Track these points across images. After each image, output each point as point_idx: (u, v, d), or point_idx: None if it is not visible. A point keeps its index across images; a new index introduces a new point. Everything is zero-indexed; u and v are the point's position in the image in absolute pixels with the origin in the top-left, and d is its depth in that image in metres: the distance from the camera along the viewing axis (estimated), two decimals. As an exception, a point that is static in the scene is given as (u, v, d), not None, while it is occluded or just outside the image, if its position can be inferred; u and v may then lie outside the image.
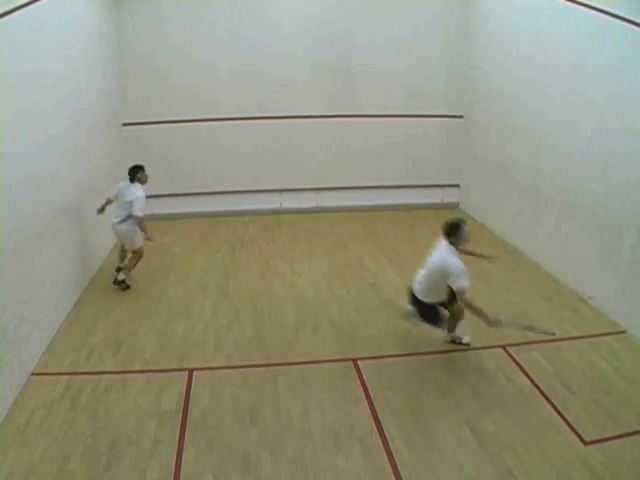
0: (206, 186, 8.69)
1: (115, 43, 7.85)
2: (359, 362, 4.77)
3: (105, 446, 3.77)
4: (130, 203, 5.95)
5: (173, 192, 8.64)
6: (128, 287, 6.26)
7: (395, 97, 8.75)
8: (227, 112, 8.40)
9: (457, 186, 9.29)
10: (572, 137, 6.08)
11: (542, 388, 4.39)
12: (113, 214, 6.15)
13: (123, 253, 6.53)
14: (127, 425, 3.98)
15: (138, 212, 5.94)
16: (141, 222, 5.99)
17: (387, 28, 8.44)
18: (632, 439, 3.81)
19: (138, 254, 6.30)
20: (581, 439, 3.82)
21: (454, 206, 9.28)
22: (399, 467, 3.59)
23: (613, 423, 3.99)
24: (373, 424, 4.02)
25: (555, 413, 4.09)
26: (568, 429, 3.92)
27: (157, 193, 8.57)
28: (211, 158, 8.64)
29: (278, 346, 5.08)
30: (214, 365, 4.78)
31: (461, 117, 8.93)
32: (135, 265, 6.34)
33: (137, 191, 5.99)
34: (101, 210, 6.16)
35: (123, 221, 6.07)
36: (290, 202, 8.95)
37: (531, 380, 4.51)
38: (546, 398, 4.27)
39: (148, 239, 6.06)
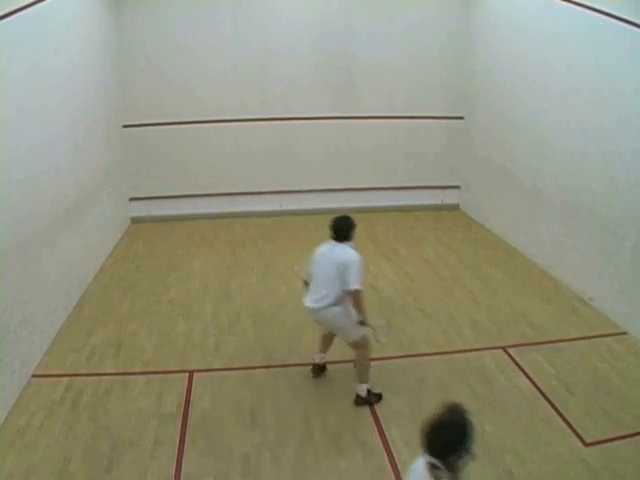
0: (206, 188, 8.68)
1: (116, 44, 7.85)
2: (359, 363, 4.77)
3: (106, 447, 3.77)
4: (340, 273, 3.99)
5: (174, 194, 8.63)
6: (373, 400, 4.27)
7: (397, 97, 8.74)
8: (228, 114, 8.39)
9: (458, 187, 9.29)
10: (571, 137, 6.09)
11: (542, 389, 4.39)
12: (307, 295, 4.22)
13: (327, 337, 4.56)
14: (128, 426, 3.98)
15: (357, 284, 3.97)
16: (360, 300, 4.02)
17: (390, 29, 8.43)
18: (633, 440, 3.81)
19: (363, 347, 4.20)
20: (582, 440, 3.82)
21: (454, 208, 9.28)
22: (399, 468, 3.58)
23: (614, 424, 3.99)
24: (374, 425, 4.01)
25: (556, 414, 4.09)
26: (569, 430, 3.91)
27: (158, 195, 8.61)
28: (211, 160, 8.63)
29: (279, 347, 5.08)
30: (215, 367, 4.78)
31: (462, 118, 8.93)
32: (368, 367, 4.26)
33: (351, 252, 4.05)
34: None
35: (334, 304, 4.06)
36: (291, 203, 8.95)
37: (531, 381, 4.50)
38: (547, 399, 4.27)
39: (361, 324, 4.09)
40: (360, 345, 4.18)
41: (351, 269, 3.95)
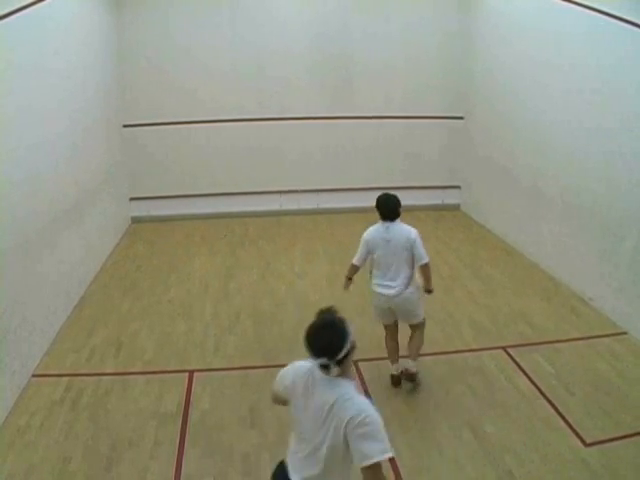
0: (206, 188, 8.69)
1: (116, 44, 7.87)
2: (359, 363, 4.75)
3: (106, 447, 3.77)
4: (408, 249, 4.10)
5: (174, 194, 8.64)
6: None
7: (395, 98, 8.75)
8: (228, 113, 8.40)
9: (458, 187, 9.29)
10: (572, 137, 6.09)
11: (543, 389, 4.39)
12: (379, 282, 4.24)
13: (394, 342, 4.43)
14: (128, 426, 3.98)
15: (427, 256, 4.16)
16: (430, 270, 4.26)
17: (387, 28, 8.43)
18: (633, 440, 3.80)
19: (424, 325, 4.41)
20: (582, 440, 3.81)
21: (455, 208, 9.27)
22: (399, 468, 3.58)
23: (614, 424, 3.98)
24: (373, 425, 4.00)
25: (556, 414, 4.09)
26: (569, 430, 3.91)
27: (158, 195, 8.62)
28: (211, 160, 8.64)
29: (278, 347, 5.08)
30: (215, 366, 4.79)
31: (462, 118, 8.93)
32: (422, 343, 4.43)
33: (410, 228, 4.16)
34: (348, 285, 4.49)
35: (410, 283, 4.19)
36: (290, 203, 8.95)
37: (532, 381, 4.50)
38: (547, 399, 4.27)
39: (428, 292, 4.35)
40: (422, 324, 4.39)
41: (418, 243, 4.10)
